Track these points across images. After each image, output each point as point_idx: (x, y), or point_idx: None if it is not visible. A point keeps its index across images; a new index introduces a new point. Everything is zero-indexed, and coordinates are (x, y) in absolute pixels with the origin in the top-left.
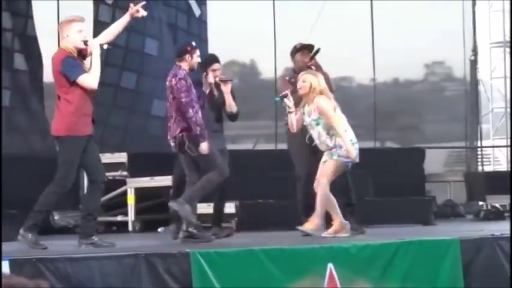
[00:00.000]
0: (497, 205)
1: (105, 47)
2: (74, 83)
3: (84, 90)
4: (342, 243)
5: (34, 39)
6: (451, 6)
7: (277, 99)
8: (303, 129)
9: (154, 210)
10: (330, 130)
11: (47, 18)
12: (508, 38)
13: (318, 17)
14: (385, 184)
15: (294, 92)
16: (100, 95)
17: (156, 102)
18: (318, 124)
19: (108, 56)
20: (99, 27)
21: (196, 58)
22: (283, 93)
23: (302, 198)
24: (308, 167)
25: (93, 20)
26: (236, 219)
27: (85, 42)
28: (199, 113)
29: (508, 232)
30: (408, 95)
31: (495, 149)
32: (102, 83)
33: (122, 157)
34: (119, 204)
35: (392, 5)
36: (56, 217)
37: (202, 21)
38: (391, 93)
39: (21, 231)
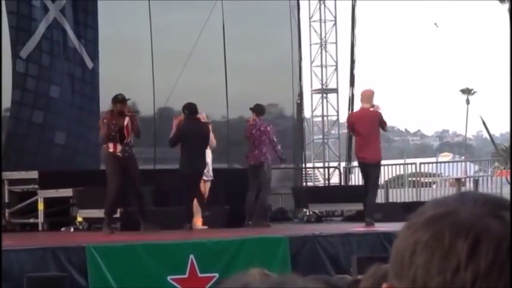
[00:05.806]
0: (316, 211)
1: None
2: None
3: None
4: (200, 238)
5: None
6: (283, 62)
7: None
8: None
9: (59, 214)
10: None
11: None
12: (325, 86)
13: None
14: (234, 194)
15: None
16: (15, 128)
17: (57, 133)
18: None
19: (22, 97)
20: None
21: None
22: None
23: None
24: None
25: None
26: (119, 222)
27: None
28: None
29: (326, 231)
30: None
31: (315, 169)
32: (16, 118)
33: (34, 174)
34: (31, 210)
35: (243, 59)
36: None
37: (95, 72)
38: (239, 127)
39: None
